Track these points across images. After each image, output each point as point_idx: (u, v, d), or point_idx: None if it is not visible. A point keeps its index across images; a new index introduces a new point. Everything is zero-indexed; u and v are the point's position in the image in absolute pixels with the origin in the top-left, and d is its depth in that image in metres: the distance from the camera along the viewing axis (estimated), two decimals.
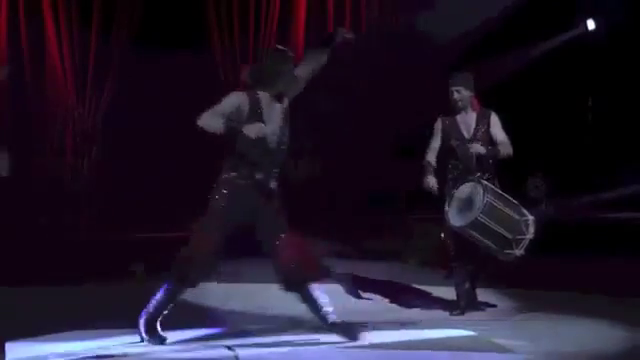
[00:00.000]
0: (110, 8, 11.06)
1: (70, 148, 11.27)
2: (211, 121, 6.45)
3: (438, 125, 8.10)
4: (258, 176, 6.63)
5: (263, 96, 6.66)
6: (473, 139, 7.93)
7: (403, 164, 10.77)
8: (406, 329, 7.44)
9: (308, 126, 11.41)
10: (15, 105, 10.93)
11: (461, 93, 8.00)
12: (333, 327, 6.81)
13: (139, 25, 10.93)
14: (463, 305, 7.98)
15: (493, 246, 7.75)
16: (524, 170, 8.60)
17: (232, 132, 6.44)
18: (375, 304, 8.49)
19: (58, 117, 11.23)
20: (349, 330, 6.80)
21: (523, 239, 7.79)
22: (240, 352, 6.54)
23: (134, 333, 6.81)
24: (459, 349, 6.81)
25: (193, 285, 6.68)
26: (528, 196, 8.93)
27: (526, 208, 7.89)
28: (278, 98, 6.74)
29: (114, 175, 10.72)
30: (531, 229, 7.83)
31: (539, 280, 8.88)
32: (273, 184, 6.73)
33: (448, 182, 7.99)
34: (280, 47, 6.90)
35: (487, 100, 8.30)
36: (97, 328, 7.30)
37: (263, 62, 6.71)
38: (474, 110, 8.06)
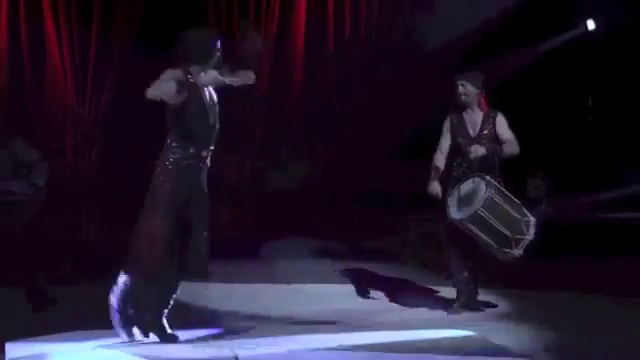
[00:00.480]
0: (110, 8, 11.07)
1: (70, 148, 11.28)
2: (160, 87, 6.34)
3: (447, 124, 8.11)
4: (204, 154, 6.51)
5: (195, 71, 6.48)
6: (478, 138, 7.93)
7: (404, 164, 10.78)
8: (405, 329, 7.44)
9: (308, 126, 11.43)
10: (15, 105, 10.94)
11: (466, 87, 7.98)
12: None
13: (139, 25, 10.94)
14: (462, 303, 7.98)
15: (492, 244, 7.76)
16: (524, 170, 8.60)
17: (183, 87, 6.32)
18: (374, 304, 8.49)
19: (58, 117, 11.23)
20: None
21: (523, 239, 7.79)
22: (240, 353, 6.54)
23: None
24: (458, 349, 6.81)
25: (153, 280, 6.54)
26: (528, 196, 8.92)
27: (526, 208, 7.89)
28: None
29: (114, 175, 10.73)
30: (532, 230, 7.83)
31: (539, 280, 8.88)
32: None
33: (452, 179, 8.00)
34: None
35: (493, 97, 8.31)
36: (98, 328, 7.31)
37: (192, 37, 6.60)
38: (481, 110, 8.06)
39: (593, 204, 11.02)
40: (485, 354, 6.68)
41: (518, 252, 7.81)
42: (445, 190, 7.97)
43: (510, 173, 8.21)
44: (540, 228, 7.90)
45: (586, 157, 11.24)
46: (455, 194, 7.86)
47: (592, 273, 9.29)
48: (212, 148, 6.55)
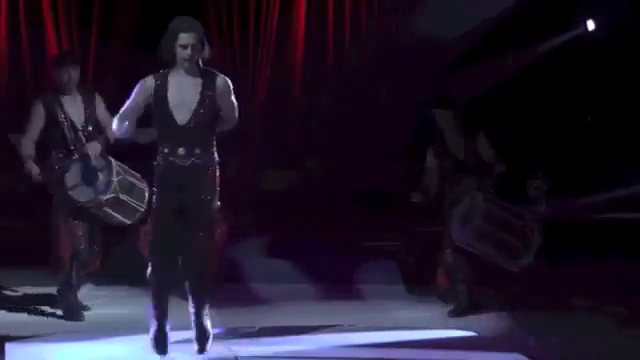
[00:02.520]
0: (109, 8, 11.07)
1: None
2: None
3: (429, 153, 8.21)
4: (180, 152, 6.27)
5: (173, 75, 6.29)
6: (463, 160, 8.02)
7: (403, 164, 10.77)
8: (406, 329, 7.45)
9: (309, 127, 11.43)
10: (16, 106, 10.93)
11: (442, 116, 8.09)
12: None
13: (138, 25, 10.93)
14: (462, 305, 7.98)
15: (502, 256, 7.76)
16: (523, 171, 8.60)
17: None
18: (374, 304, 8.49)
19: None
20: None
21: (530, 245, 7.80)
22: (239, 353, 6.54)
23: (132, 334, 6.84)
24: (459, 349, 6.82)
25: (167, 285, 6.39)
26: (528, 197, 8.92)
27: (526, 209, 7.90)
28: (197, 75, 6.29)
29: None
30: (536, 233, 7.84)
31: (540, 280, 8.87)
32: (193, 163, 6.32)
33: (447, 199, 8.04)
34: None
35: (487, 101, 8.33)
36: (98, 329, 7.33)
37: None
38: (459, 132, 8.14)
39: (593, 204, 11.01)
40: (485, 354, 6.70)
41: (529, 259, 7.83)
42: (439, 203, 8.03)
43: (510, 174, 8.22)
44: (540, 229, 7.91)
45: (586, 157, 11.23)
46: (455, 218, 7.87)
47: (593, 273, 9.28)
48: (194, 147, 6.28)
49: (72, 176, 7.61)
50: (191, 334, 6.38)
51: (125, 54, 10.89)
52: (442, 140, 8.15)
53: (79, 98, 7.89)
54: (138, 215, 7.74)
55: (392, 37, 11.47)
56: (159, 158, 6.31)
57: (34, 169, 7.75)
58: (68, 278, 7.80)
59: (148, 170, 6.58)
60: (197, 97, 6.26)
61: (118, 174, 7.63)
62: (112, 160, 7.67)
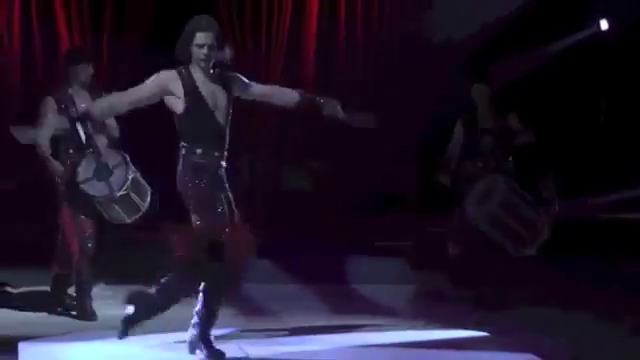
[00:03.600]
0: (122, 7, 11.07)
1: None
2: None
3: (459, 124, 8.19)
4: (216, 154, 6.26)
5: (198, 74, 6.25)
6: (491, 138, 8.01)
7: (417, 163, 10.76)
8: (418, 329, 7.44)
9: (320, 125, 11.42)
10: (28, 105, 10.95)
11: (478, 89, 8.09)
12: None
13: (151, 24, 10.93)
14: (473, 303, 7.99)
15: (507, 242, 7.77)
16: (535, 170, 8.60)
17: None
18: (386, 304, 8.49)
19: None
20: None
21: (537, 238, 7.81)
22: (251, 352, 6.54)
23: (145, 334, 6.84)
24: (472, 349, 6.81)
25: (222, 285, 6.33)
26: (540, 196, 8.91)
27: (542, 208, 7.91)
28: (214, 75, 6.28)
29: None
30: (546, 229, 7.85)
31: (552, 280, 8.86)
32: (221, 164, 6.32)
33: (465, 178, 8.04)
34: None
35: (500, 100, 8.34)
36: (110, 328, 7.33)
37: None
38: (490, 108, 8.13)
39: (605, 204, 10.99)
40: (497, 354, 6.69)
41: (532, 250, 7.84)
42: (456, 186, 8.02)
43: (522, 172, 8.22)
44: (552, 228, 7.91)
45: (598, 157, 11.20)
46: (472, 195, 7.88)
47: (605, 273, 9.26)
48: (224, 149, 6.32)
49: (84, 170, 7.60)
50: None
51: (138, 52, 10.88)
52: (473, 114, 8.17)
53: (87, 95, 7.91)
54: (139, 214, 7.75)
55: (404, 37, 11.44)
56: (193, 158, 6.24)
57: (56, 165, 7.77)
58: (79, 276, 7.81)
59: None
60: (224, 99, 6.27)
61: (133, 172, 7.64)
62: (127, 156, 7.67)
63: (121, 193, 7.56)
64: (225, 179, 6.31)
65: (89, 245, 7.78)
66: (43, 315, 7.90)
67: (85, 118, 6.47)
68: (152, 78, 6.26)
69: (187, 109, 6.20)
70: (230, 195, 6.32)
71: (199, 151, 6.20)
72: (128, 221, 7.81)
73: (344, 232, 10.39)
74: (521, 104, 9.55)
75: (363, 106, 11.50)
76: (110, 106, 6.43)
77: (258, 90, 6.47)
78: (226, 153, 6.31)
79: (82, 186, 7.57)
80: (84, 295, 7.81)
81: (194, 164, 6.22)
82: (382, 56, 11.42)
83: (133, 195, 7.65)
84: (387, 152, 11.09)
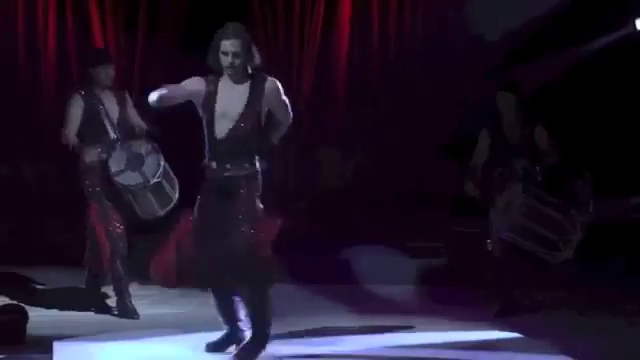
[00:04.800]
0: (156, 7, 11.11)
1: None
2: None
3: (484, 133, 8.15)
4: (212, 165, 6.28)
5: (223, 82, 6.28)
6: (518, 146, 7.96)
7: (449, 164, 10.72)
8: (451, 331, 7.42)
9: (353, 125, 11.40)
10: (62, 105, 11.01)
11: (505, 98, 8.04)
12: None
13: (185, 26, 10.96)
14: (508, 306, 7.94)
15: (540, 249, 7.72)
16: (571, 170, 8.54)
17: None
18: (418, 305, 8.47)
19: None
20: None
21: (570, 240, 7.74)
22: (283, 352, 6.55)
23: (178, 334, 6.87)
24: (505, 350, 6.79)
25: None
26: (575, 196, 8.86)
27: (573, 209, 7.84)
28: (244, 81, 6.27)
29: None
30: (578, 229, 7.78)
31: (587, 281, 8.80)
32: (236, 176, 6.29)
33: (489, 188, 8.00)
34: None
35: (534, 101, 8.29)
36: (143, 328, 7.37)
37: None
38: (517, 118, 8.08)
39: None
40: (532, 356, 6.66)
41: (568, 253, 7.77)
42: (484, 195, 7.98)
43: (557, 173, 8.17)
44: (588, 229, 7.85)
45: (634, 157, 11.10)
46: (495, 206, 7.84)
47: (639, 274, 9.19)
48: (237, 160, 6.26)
49: (116, 163, 7.62)
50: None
51: (171, 53, 10.91)
52: (498, 124, 8.11)
53: (112, 95, 7.97)
54: (170, 206, 7.78)
55: (438, 36, 11.40)
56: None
57: (90, 155, 7.83)
58: (115, 275, 7.85)
59: None
60: (240, 109, 6.23)
61: (163, 160, 7.68)
62: (157, 145, 7.70)
63: (155, 180, 7.58)
64: (238, 195, 6.25)
65: (121, 244, 7.82)
66: (77, 314, 7.94)
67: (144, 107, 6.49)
68: (185, 82, 6.31)
69: (201, 118, 6.27)
70: (245, 209, 6.27)
71: (212, 164, 6.27)
72: (161, 213, 7.84)
73: (375, 232, 10.38)
74: (555, 106, 9.52)
75: (396, 105, 11.58)
76: (161, 96, 6.30)
77: (277, 117, 6.40)
78: (247, 165, 6.29)
79: (115, 179, 7.61)
80: (123, 293, 7.85)
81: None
82: (415, 56, 11.38)
83: (165, 183, 7.68)
84: (419, 151, 11.06)
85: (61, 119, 8.08)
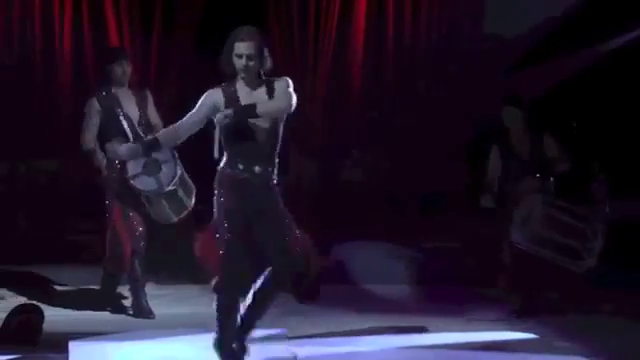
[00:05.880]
0: (171, 9, 11.12)
1: None
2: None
3: (495, 150, 8.17)
4: (256, 169, 6.18)
5: (239, 87, 6.22)
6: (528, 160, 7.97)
7: (464, 164, 10.71)
8: (466, 331, 7.41)
9: (368, 127, 11.40)
10: (79, 105, 11.04)
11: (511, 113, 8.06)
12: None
13: (200, 27, 10.97)
14: (524, 307, 7.94)
15: (564, 258, 7.70)
16: (587, 172, 8.52)
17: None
18: (434, 305, 8.46)
19: None
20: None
21: (593, 247, 7.72)
22: (299, 353, 6.56)
23: (195, 334, 6.87)
24: (521, 351, 6.78)
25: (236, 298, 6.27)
26: (591, 198, 8.85)
27: (589, 211, 7.83)
28: (259, 85, 6.22)
29: None
30: (599, 236, 7.77)
31: (603, 282, 8.77)
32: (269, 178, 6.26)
33: (506, 201, 8.00)
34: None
35: (550, 101, 8.27)
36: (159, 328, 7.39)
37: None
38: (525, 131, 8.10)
39: None
40: (547, 356, 6.65)
41: (592, 261, 7.75)
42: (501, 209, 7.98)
43: (572, 175, 8.15)
44: (604, 231, 7.83)
45: None
46: (514, 219, 7.83)
47: None
48: (270, 163, 6.23)
49: (134, 165, 7.64)
50: (253, 334, 6.41)
51: (187, 54, 10.93)
52: (507, 139, 8.13)
53: (131, 94, 7.97)
54: (185, 212, 7.79)
55: (453, 35, 11.39)
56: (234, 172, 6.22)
57: (104, 162, 7.86)
58: (132, 274, 7.87)
59: None
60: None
61: (180, 168, 7.70)
62: (175, 153, 7.69)
63: (169, 188, 7.62)
64: (270, 194, 6.22)
65: (142, 244, 7.85)
66: (93, 314, 7.97)
67: (152, 147, 6.44)
68: (201, 101, 6.23)
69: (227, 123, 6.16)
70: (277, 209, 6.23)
71: (240, 166, 6.19)
72: (174, 219, 7.86)
73: (392, 233, 10.38)
74: (569, 107, 9.50)
75: (412, 106, 11.57)
76: (173, 135, 6.33)
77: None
78: (272, 167, 6.25)
79: (131, 181, 7.64)
80: (139, 293, 7.87)
81: (232, 178, 6.19)
82: (431, 57, 11.36)
83: (180, 192, 7.70)
84: (436, 152, 11.04)
85: (77, 118, 8.11)
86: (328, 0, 11.26)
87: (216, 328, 6.27)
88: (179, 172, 7.64)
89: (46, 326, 6.96)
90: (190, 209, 7.80)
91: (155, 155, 7.53)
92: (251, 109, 6.07)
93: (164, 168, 7.65)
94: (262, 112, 6.09)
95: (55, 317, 7.48)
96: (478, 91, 10.96)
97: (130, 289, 7.96)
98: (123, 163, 7.71)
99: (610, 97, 10.50)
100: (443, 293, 8.84)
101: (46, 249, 9.86)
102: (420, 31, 11.41)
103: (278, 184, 6.29)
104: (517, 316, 7.88)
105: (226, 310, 6.24)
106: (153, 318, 7.77)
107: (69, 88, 10.95)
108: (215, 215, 6.22)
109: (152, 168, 7.64)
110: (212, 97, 6.20)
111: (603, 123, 10.43)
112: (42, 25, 10.83)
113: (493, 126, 8.44)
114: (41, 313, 7.03)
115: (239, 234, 6.11)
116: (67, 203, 10.57)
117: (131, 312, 7.90)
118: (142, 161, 7.62)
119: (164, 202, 7.72)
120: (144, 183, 7.64)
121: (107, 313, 7.98)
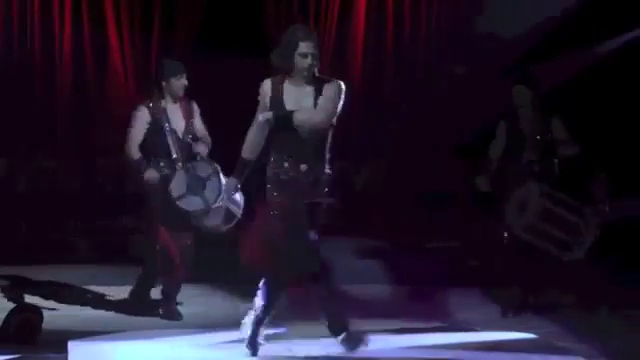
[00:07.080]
0: (171, 11, 11.12)
1: None
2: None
3: (501, 127, 8.13)
4: (302, 167, 6.28)
5: (289, 82, 6.28)
6: (533, 141, 7.94)
7: (467, 163, 10.71)
8: (466, 331, 7.41)
9: (368, 126, 11.40)
10: (79, 106, 11.04)
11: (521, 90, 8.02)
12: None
13: (200, 26, 10.97)
14: (522, 306, 7.94)
15: (552, 248, 7.71)
16: (586, 170, 8.53)
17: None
18: (434, 305, 8.46)
19: (121, 117, 11.29)
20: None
21: (583, 241, 7.73)
22: (298, 351, 6.55)
23: (195, 334, 6.86)
24: (519, 351, 6.78)
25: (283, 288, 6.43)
26: (590, 197, 8.86)
27: (588, 209, 7.82)
28: (309, 85, 6.30)
29: None
30: (592, 230, 7.76)
31: (602, 281, 8.77)
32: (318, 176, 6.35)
33: (503, 184, 7.99)
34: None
35: (551, 99, 8.27)
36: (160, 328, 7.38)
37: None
38: (535, 111, 8.05)
39: None
40: (546, 356, 6.65)
41: (579, 254, 7.75)
42: (498, 191, 7.97)
43: (572, 173, 8.15)
44: (603, 229, 7.83)
45: None
46: (510, 205, 7.83)
47: None
48: (318, 160, 6.31)
49: (177, 186, 7.53)
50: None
51: (187, 54, 10.93)
52: (515, 117, 8.10)
53: (180, 107, 7.87)
54: (234, 221, 7.67)
55: (454, 34, 11.40)
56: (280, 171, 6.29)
57: (150, 173, 7.70)
58: (177, 280, 7.80)
59: None
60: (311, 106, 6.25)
61: (224, 180, 7.51)
62: (217, 166, 7.58)
63: (216, 205, 7.52)
64: (316, 191, 6.31)
65: (190, 256, 7.77)
66: (92, 314, 7.97)
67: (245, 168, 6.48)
68: (260, 93, 6.32)
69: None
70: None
71: (286, 164, 6.25)
72: (223, 229, 7.76)
73: (394, 232, 10.38)
74: (571, 105, 9.49)
75: (412, 105, 11.57)
76: (255, 143, 6.42)
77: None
78: (321, 163, 6.33)
79: (177, 203, 7.53)
80: (172, 299, 7.78)
81: (278, 177, 6.26)
82: (431, 55, 11.37)
83: (228, 204, 7.57)
84: (437, 151, 11.05)
85: (77, 118, 8.08)
86: (327, 1, 11.29)
87: (253, 319, 6.37)
88: (224, 187, 7.34)
89: (45, 326, 6.95)
90: (239, 217, 7.65)
91: (198, 172, 7.48)
92: (288, 119, 6.17)
93: (208, 184, 7.52)
94: (298, 123, 6.17)
95: (54, 317, 7.47)
96: (478, 91, 10.97)
97: (163, 292, 7.84)
98: (166, 180, 7.61)
99: (610, 97, 10.51)
100: (441, 293, 8.83)
101: (46, 249, 9.86)
102: (420, 30, 11.42)
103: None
104: (514, 315, 7.87)
105: (273, 300, 6.36)
106: (181, 319, 7.69)
107: (69, 88, 10.97)
108: (260, 213, 6.32)
109: (196, 187, 7.51)
110: (264, 88, 6.30)
111: (603, 123, 10.44)
112: (42, 25, 10.85)
113: (492, 127, 8.42)
114: (40, 313, 7.02)
115: (290, 229, 6.20)
116: (67, 203, 10.58)
117: (160, 313, 7.80)
118: (185, 180, 7.52)
119: (212, 216, 7.61)
120: (190, 203, 7.52)
121: (107, 313, 7.96)
